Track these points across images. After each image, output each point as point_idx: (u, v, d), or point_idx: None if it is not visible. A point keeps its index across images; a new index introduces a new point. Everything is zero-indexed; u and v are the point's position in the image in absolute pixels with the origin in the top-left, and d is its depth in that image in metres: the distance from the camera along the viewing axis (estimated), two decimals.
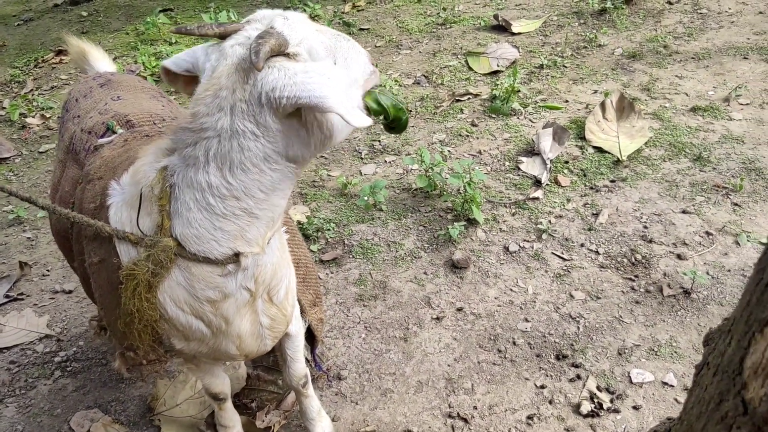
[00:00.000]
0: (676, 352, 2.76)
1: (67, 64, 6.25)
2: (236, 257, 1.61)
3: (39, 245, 3.83)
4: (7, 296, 3.44)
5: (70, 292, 3.44)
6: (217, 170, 1.49)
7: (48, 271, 3.63)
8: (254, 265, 1.66)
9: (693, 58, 4.99)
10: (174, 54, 5.94)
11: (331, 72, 1.49)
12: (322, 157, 4.37)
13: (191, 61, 1.59)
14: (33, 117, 5.37)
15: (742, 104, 4.33)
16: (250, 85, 1.43)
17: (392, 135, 4.42)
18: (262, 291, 1.75)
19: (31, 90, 5.88)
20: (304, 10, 6.66)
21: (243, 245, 1.61)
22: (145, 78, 5.63)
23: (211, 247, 1.57)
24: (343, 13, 6.66)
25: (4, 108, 5.54)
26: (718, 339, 0.98)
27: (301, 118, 1.50)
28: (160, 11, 7.15)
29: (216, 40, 1.55)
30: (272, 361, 2.84)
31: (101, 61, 2.97)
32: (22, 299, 3.44)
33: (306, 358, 2.77)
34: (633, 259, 3.23)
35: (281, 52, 1.45)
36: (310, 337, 2.58)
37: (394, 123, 1.75)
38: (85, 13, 7.65)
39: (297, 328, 2.22)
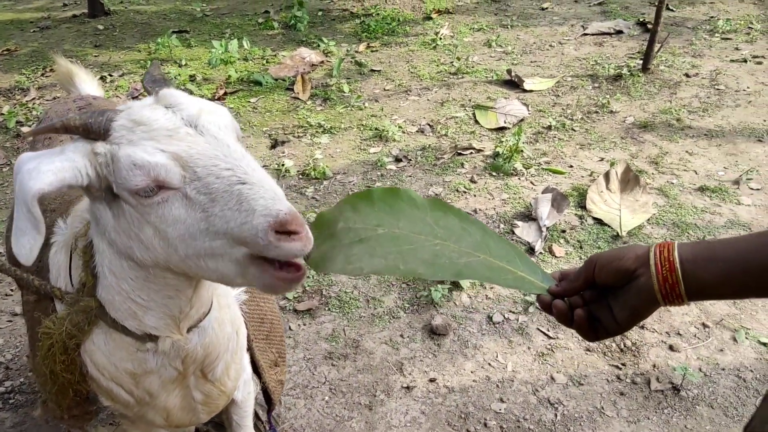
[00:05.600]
0: None
1: None
2: (153, 337, 1.41)
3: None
4: None
5: None
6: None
7: (12, 290, 3.47)
8: (176, 348, 1.46)
9: (706, 134, 4.84)
10: (181, 76, 5.80)
11: None
12: (313, 198, 4.22)
13: None
14: (30, 126, 5.27)
15: (752, 189, 4.16)
16: None
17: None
18: (193, 369, 1.56)
19: (33, 99, 5.80)
20: (318, 46, 6.61)
21: (150, 329, 1.40)
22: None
23: (122, 317, 1.38)
24: (356, 52, 6.60)
25: (2, 114, 5.45)
26: None
27: None
28: (173, 33, 7.11)
29: None
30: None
31: (87, 84, 2.87)
32: None
33: (260, 419, 2.59)
34: (622, 345, 3.03)
35: None
36: (268, 398, 2.39)
37: None
38: (101, 27, 7.64)
39: (245, 394, 2.02)
